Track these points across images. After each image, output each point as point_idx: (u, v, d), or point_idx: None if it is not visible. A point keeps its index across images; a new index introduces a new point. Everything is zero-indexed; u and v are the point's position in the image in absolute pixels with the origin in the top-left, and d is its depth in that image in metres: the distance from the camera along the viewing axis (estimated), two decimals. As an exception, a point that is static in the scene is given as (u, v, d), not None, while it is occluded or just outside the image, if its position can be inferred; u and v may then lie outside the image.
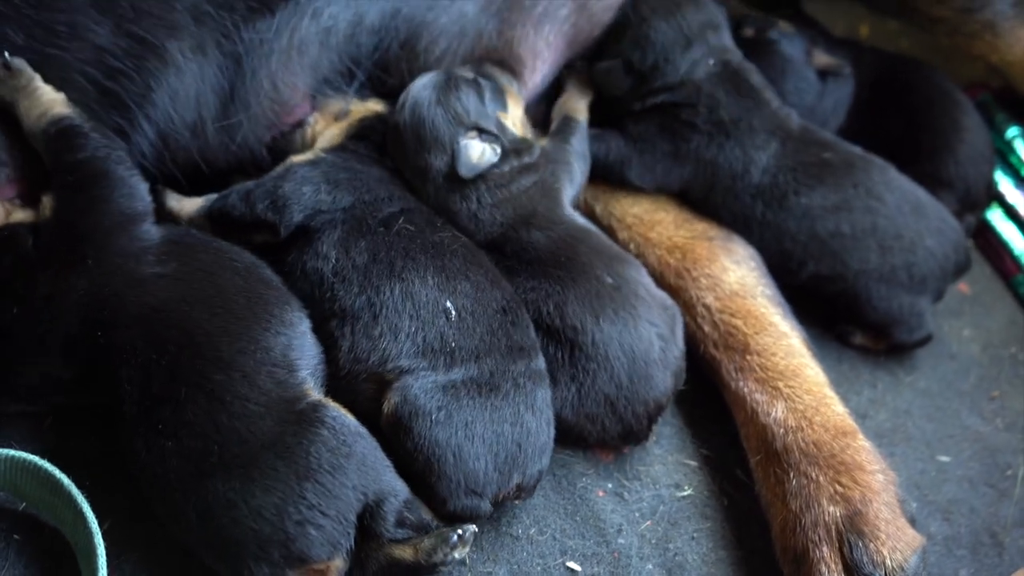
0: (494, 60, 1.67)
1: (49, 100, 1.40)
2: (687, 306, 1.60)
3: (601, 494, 1.48)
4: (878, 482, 1.37)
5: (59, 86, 1.43)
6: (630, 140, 1.71)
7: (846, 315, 1.69)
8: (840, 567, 1.31)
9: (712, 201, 1.68)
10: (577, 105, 1.74)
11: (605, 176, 1.70)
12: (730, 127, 1.66)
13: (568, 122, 1.70)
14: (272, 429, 1.23)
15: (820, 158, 1.66)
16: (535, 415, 1.36)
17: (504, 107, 1.60)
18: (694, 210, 1.70)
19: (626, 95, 1.72)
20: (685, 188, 1.70)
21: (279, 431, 1.23)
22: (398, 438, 1.31)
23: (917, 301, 1.64)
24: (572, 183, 1.62)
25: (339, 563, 1.22)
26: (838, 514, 1.34)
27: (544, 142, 1.64)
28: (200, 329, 1.29)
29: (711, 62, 1.69)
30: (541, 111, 1.80)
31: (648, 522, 1.47)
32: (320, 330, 1.38)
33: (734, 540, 1.47)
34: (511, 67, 1.69)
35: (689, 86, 1.69)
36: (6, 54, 1.39)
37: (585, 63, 1.79)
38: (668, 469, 1.53)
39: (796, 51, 1.86)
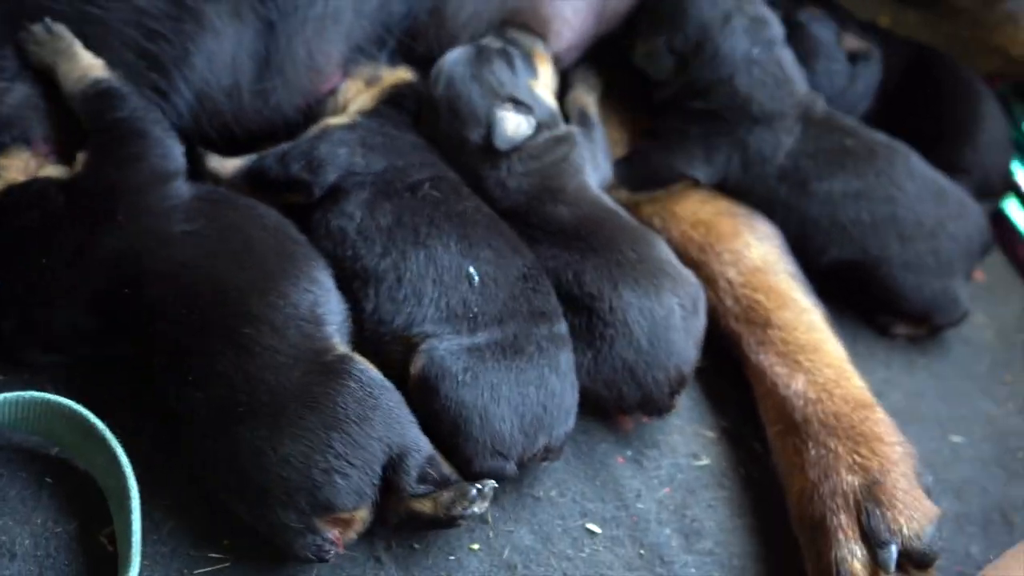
0: (518, 23, 1.69)
1: (88, 64, 1.43)
2: (709, 280, 1.62)
3: (620, 460, 1.50)
4: (896, 453, 1.40)
5: (99, 46, 1.45)
6: (662, 141, 1.72)
7: (883, 306, 1.72)
8: (857, 534, 1.34)
9: (743, 184, 1.69)
10: (587, 100, 1.76)
11: (659, 183, 1.70)
12: (760, 118, 1.68)
13: (585, 117, 1.71)
14: (300, 380, 1.25)
15: (842, 145, 1.68)
16: (559, 377, 1.38)
17: (534, 74, 1.63)
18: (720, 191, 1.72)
19: (669, 79, 1.72)
20: (724, 175, 1.70)
21: (307, 381, 1.25)
22: (425, 399, 1.33)
23: (949, 284, 1.67)
24: (596, 170, 1.64)
25: (363, 513, 1.24)
26: (856, 483, 1.37)
27: (571, 127, 1.65)
28: (230, 284, 1.31)
29: (756, 50, 1.69)
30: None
31: (666, 489, 1.49)
32: (343, 290, 1.40)
33: (750, 509, 1.49)
34: (535, 30, 1.70)
35: (726, 88, 1.69)
36: (47, 19, 1.41)
37: (587, 63, 1.81)
38: (686, 439, 1.56)
39: (827, 34, 1.87)
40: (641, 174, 1.69)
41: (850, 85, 1.86)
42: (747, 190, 1.69)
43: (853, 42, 1.88)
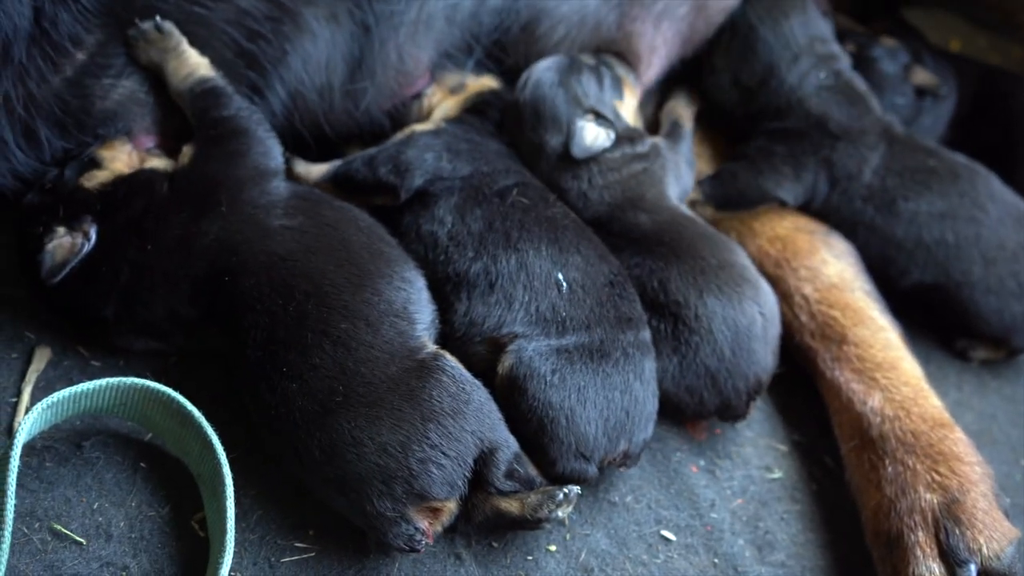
0: (612, 52, 1.72)
1: (195, 63, 1.49)
2: (784, 296, 1.63)
3: (694, 470, 1.52)
4: (976, 473, 1.40)
5: (201, 45, 1.50)
6: (749, 160, 1.73)
7: (961, 328, 1.72)
8: (935, 552, 1.34)
9: (828, 205, 1.70)
10: (684, 112, 1.79)
11: (747, 204, 1.71)
12: (841, 135, 1.70)
13: (676, 128, 1.74)
14: (396, 374, 1.28)
15: (926, 165, 1.69)
16: (643, 384, 1.40)
17: (620, 96, 1.66)
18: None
19: (735, 108, 1.77)
20: (811, 195, 1.70)
21: (403, 376, 1.28)
22: (512, 399, 1.35)
23: None
24: (678, 181, 1.65)
25: (452, 505, 1.27)
26: (935, 501, 1.37)
27: (656, 139, 1.68)
28: (326, 279, 1.34)
29: (822, 75, 1.73)
30: (647, 111, 1.85)
31: (739, 500, 1.50)
32: (433, 292, 1.42)
33: (823, 523, 1.50)
34: (628, 60, 1.74)
35: (798, 111, 1.72)
36: (157, 18, 1.47)
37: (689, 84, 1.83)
38: (759, 451, 1.57)
39: (894, 67, 1.89)
40: (729, 194, 1.71)
41: (916, 118, 1.86)
42: (831, 211, 1.70)
43: (922, 75, 1.89)
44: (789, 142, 1.71)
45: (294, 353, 1.30)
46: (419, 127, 1.61)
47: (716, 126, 1.83)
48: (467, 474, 1.25)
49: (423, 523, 1.24)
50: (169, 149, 1.54)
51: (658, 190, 1.61)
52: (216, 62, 1.50)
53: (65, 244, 1.39)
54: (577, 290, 1.42)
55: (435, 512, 1.25)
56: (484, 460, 1.27)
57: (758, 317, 1.48)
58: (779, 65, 1.75)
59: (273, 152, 1.47)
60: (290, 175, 1.57)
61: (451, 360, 1.32)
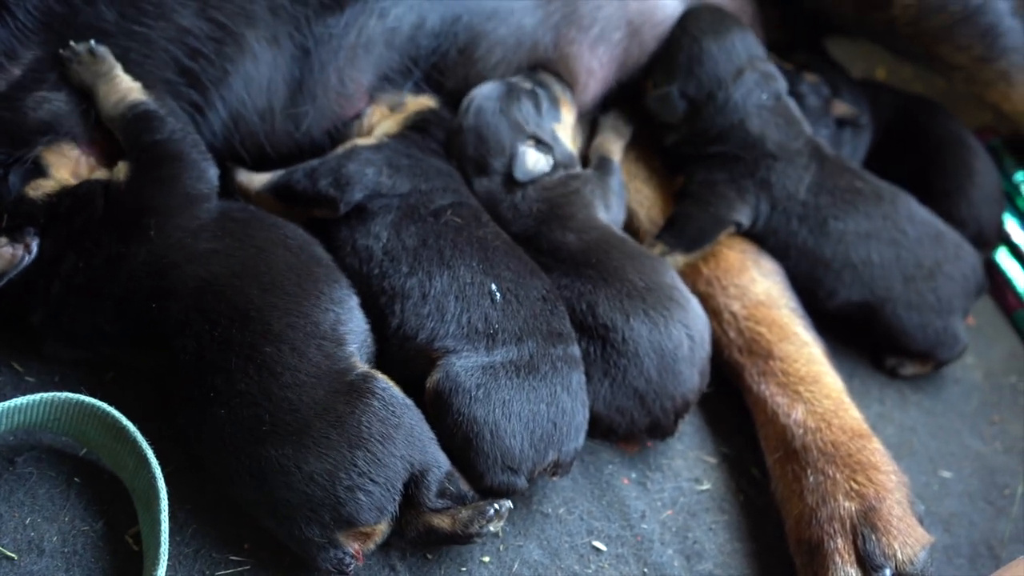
0: (548, 71, 1.77)
1: (127, 87, 1.49)
2: (714, 312, 1.69)
3: (626, 482, 1.56)
4: (891, 482, 1.46)
5: (141, 61, 1.51)
6: (694, 197, 1.77)
7: (888, 345, 1.79)
8: (853, 558, 1.39)
9: (769, 226, 1.75)
10: (612, 147, 1.83)
11: (709, 237, 1.74)
12: (778, 154, 1.76)
13: (605, 162, 1.78)
14: (324, 398, 1.29)
15: (853, 186, 1.76)
16: (571, 396, 1.43)
17: (558, 117, 1.71)
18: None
19: (681, 124, 1.80)
20: (756, 214, 1.75)
21: (331, 400, 1.29)
22: (438, 413, 1.37)
23: (949, 322, 1.75)
24: (608, 210, 1.70)
25: (383, 527, 1.29)
26: (853, 509, 1.43)
27: (588, 171, 1.73)
28: (251, 303, 1.35)
29: (764, 96, 1.78)
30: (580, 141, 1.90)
31: (669, 511, 1.54)
32: (368, 306, 1.45)
33: (749, 534, 1.55)
34: (564, 80, 1.79)
35: (739, 131, 1.77)
36: (92, 42, 1.48)
37: (618, 109, 1.88)
38: (689, 464, 1.62)
39: (816, 100, 1.96)
40: (690, 235, 1.74)
41: (838, 148, 1.93)
42: (771, 232, 1.75)
43: (841, 107, 1.97)
44: (726, 168, 1.76)
45: (220, 378, 1.30)
46: (361, 141, 1.64)
47: (651, 146, 1.87)
48: (396, 498, 1.27)
49: (353, 547, 1.26)
50: (107, 159, 1.52)
51: (588, 212, 1.66)
52: (156, 79, 1.52)
53: (5, 255, 1.39)
54: (511, 300, 1.46)
55: (365, 536, 1.27)
56: (415, 481, 1.29)
57: (685, 340, 1.52)
58: (725, 79, 1.78)
59: (207, 176, 1.47)
60: (231, 185, 1.58)
61: (382, 381, 1.34)
